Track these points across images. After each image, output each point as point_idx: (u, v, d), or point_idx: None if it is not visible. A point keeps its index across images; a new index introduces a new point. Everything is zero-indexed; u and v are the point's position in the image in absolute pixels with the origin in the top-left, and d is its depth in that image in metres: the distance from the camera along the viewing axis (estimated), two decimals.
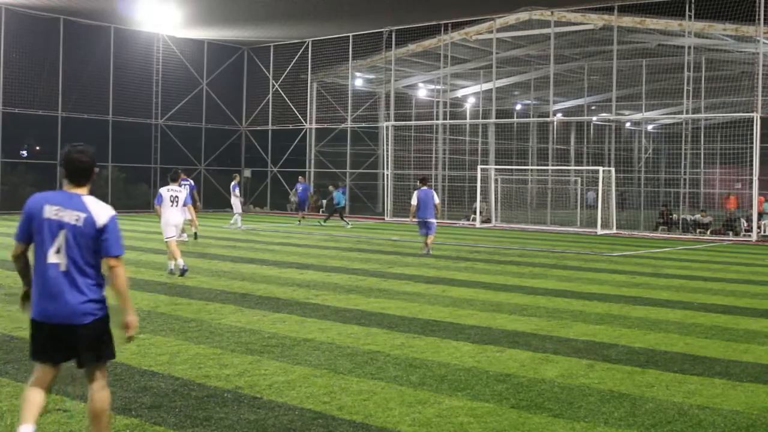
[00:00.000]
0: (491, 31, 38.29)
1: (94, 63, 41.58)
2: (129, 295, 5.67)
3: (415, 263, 19.40)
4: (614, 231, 33.66)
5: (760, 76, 32.03)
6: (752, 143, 31.17)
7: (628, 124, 53.04)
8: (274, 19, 40.92)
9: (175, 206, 16.27)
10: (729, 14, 32.05)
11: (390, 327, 10.86)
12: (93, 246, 5.42)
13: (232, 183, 31.73)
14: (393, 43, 41.39)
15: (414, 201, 22.00)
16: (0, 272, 15.88)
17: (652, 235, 33.07)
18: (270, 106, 47.94)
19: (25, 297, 5.68)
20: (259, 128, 48.57)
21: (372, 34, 42.41)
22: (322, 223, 32.69)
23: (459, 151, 44.80)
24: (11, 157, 40.29)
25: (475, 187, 38.31)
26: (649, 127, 55.05)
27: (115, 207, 6.69)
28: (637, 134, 54.47)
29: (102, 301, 5.56)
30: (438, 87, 46.40)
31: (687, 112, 34.89)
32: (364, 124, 44.91)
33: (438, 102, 46.29)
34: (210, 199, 46.56)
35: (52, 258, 5.38)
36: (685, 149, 35.47)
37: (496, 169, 39.14)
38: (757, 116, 31.28)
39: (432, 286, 15.14)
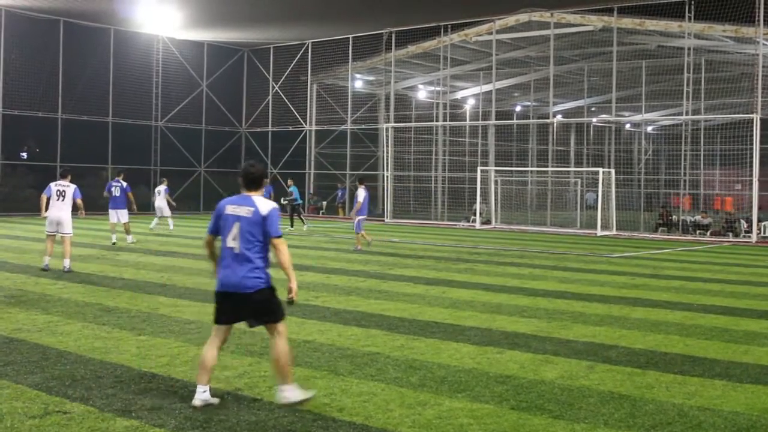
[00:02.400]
0: (491, 33, 38.32)
1: (94, 65, 41.62)
2: (292, 268, 7.23)
3: (414, 265, 19.40)
4: (614, 232, 33.67)
5: (760, 78, 32.03)
6: (752, 144, 31.19)
7: (628, 126, 53.06)
8: (274, 21, 40.95)
9: (60, 201, 16.80)
10: (728, 16, 32.06)
11: (390, 328, 10.86)
12: (259, 232, 7.08)
13: (163, 187, 30.29)
14: (393, 44, 41.41)
15: (361, 198, 23.30)
16: (1, 274, 15.89)
17: (651, 236, 33.07)
18: (270, 108, 47.96)
19: (215, 274, 7.39)
20: (258, 130, 48.59)
21: (371, 36, 42.44)
22: (305, 228, 31.89)
23: (459, 153, 44.82)
24: (11, 159, 40.31)
25: (475, 188, 38.31)
26: (649, 129, 55.08)
27: None
28: (637, 135, 54.49)
29: (265, 275, 7.17)
30: (438, 88, 46.38)
31: (687, 114, 34.90)
32: (363, 126, 44.92)
33: (438, 103, 46.30)
34: (210, 202, 46.57)
35: (230, 243, 7.13)
36: (685, 150, 35.51)
37: (495, 170, 39.18)
38: (756, 117, 31.29)
39: (432, 288, 15.13)
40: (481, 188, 38.02)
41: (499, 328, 11.11)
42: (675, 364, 9.03)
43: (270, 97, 47.78)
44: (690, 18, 32.93)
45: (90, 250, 21.13)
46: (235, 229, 7.10)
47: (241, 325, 10.71)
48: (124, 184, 24.59)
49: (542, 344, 10.02)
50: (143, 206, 42.41)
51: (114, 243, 23.15)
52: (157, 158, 44.60)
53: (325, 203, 46.34)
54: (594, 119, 49.44)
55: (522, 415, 6.98)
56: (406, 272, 17.80)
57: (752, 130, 31.18)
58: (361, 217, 23.32)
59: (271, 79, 47.56)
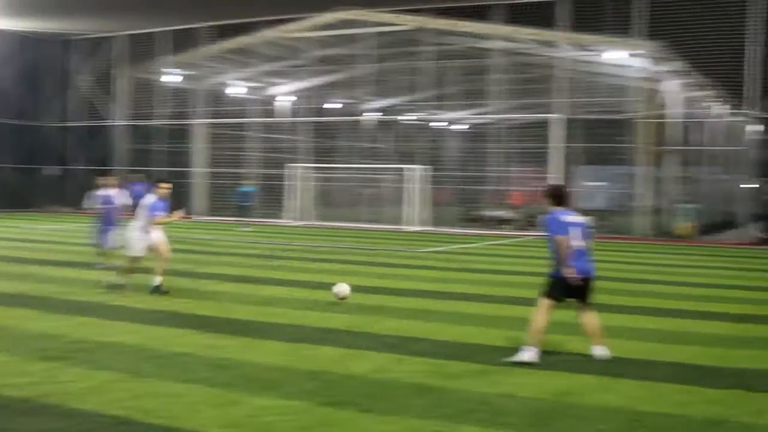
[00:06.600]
0: (306, 30, 38.37)
1: None
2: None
3: (226, 262, 19.18)
4: (425, 228, 34.46)
5: (560, 80, 33.80)
6: (552, 143, 32.79)
7: (438, 124, 54.37)
8: (83, 11, 39.40)
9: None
10: (533, 20, 33.61)
11: (199, 327, 10.67)
12: (586, 234, 9.39)
13: None
14: (208, 39, 40.78)
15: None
16: None
17: (460, 231, 34.07)
18: (78, 102, 46.10)
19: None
20: (66, 124, 46.62)
21: (186, 30, 41.66)
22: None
23: (274, 149, 44.60)
24: None
25: (290, 185, 38.25)
26: (458, 127, 56.68)
27: None
28: (446, 133, 55.92)
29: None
30: (252, 85, 46.01)
31: (493, 113, 36.20)
32: (176, 122, 43.95)
33: (253, 99, 45.96)
34: (12, 199, 44.31)
35: (575, 242, 9.21)
36: (491, 148, 36.90)
37: (310, 167, 39.26)
38: (557, 117, 32.92)
39: (244, 285, 15.01)
40: (295, 185, 37.99)
41: (311, 324, 11.15)
42: (480, 354, 9.36)
43: (78, 90, 45.94)
44: (498, 21, 34.26)
45: None
46: (576, 233, 9.27)
47: (31, 331, 10.28)
48: None
49: (354, 339, 10.14)
50: None
51: None
52: None
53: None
54: (406, 117, 50.37)
55: (330, 410, 7.03)
56: (218, 270, 17.57)
57: (552, 130, 32.79)
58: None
59: (79, 72, 45.75)
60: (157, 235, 13.94)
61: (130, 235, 13.92)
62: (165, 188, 14.08)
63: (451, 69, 41.98)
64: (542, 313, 9.24)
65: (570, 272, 9.19)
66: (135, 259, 13.92)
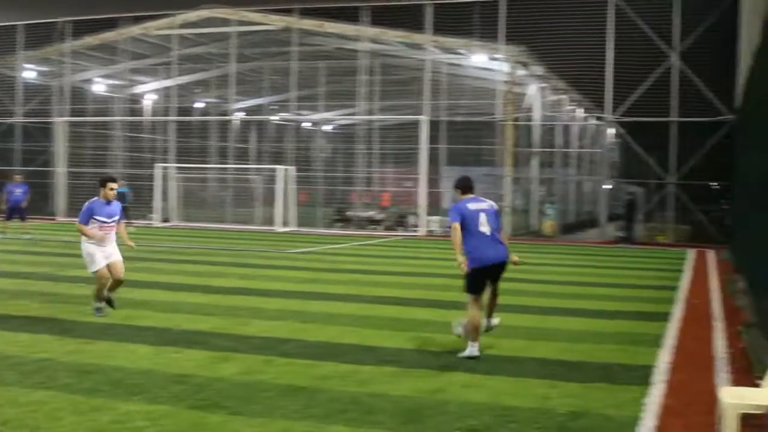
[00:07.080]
0: (171, 27, 37.69)
1: None
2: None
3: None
4: (294, 228, 34.39)
5: (428, 82, 34.36)
6: (419, 144, 33.29)
7: (307, 124, 54.31)
8: None
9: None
10: (401, 22, 34.02)
11: (62, 333, 10.34)
12: (496, 220, 9.64)
13: None
14: (69, 34, 39.55)
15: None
16: None
17: (330, 231, 34.15)
18: None
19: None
20: None
21: (45, 24, 40.22)
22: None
23: (139, 149, 43.61)
24: None
25: (155, 185, 37.45)
26: (327, 128, 56.78)
27: None
28: (315, 134, 55.93)
29: None
30: (117, 82, 44.86)
31: (362, 114, 36.43)
32: (35, 119, 42.37)
33: (117, 98, 44.82)
34: None
35: (482, 229, 9.46)
36: (360, 149, 37.14)
37: (175, 167, 38.58)
38: (424, 119, 33.44)
39: None
40: (160, 185, 37.25)
41: (177, 326, 10.96)
42: (349, 354, 9.40)
43: None
44: (365, 23, 34.52)
45: None
46: (482, 219, 9.46)
47: None
48: None
49: (221, 341, 10.02)
50: None
51: None
52: None
53: None
54: (274, 117, 50.12)
55: (199, 413, 6.93)
56: (81, 273, 16.97)
57: (420, 131, 33.29)
58: None
59: None
60: (113, 251, 12.21)
61: (85, 250, 12.23)
62: (112, 189, 12.25)
63: (319, 69, 42.04)
64: (473, 308, 9.45)
65: (461, 261, 9.34)
66: (99, 273, 11.92)
